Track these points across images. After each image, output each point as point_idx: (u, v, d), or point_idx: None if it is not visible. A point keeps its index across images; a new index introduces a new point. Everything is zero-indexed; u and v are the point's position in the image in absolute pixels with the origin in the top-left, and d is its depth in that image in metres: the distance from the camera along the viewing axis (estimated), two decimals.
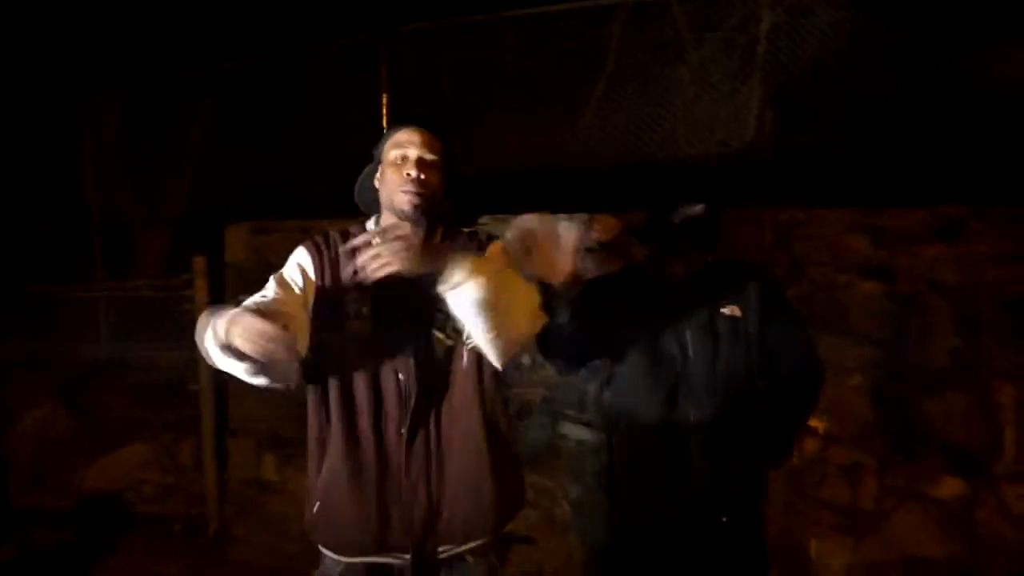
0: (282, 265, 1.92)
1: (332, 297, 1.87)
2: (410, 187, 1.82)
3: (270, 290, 1.84)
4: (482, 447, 1.85)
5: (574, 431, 3.23)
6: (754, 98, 4.43)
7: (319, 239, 1.94)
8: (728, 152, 4.36)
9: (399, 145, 1.86)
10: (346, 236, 1.90)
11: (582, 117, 4.67)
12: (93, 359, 4.84)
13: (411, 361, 1.84)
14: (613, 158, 4.50)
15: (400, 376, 1.83)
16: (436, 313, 1.81)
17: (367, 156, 2.10)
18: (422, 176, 1.82)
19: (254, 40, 5.63)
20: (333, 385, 1.87)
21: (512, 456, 1.99)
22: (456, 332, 1.83)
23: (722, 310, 2.24)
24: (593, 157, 4.55)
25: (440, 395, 1.86)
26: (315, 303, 1.86)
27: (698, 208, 2.35)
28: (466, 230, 2.03)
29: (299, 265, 1.88)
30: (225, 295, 3.76)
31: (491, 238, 2.00)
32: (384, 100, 4.99)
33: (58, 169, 5.94)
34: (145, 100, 6.01)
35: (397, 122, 1.94)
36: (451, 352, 1.87)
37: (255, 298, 1.81)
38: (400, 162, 1.85)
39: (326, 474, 1.87)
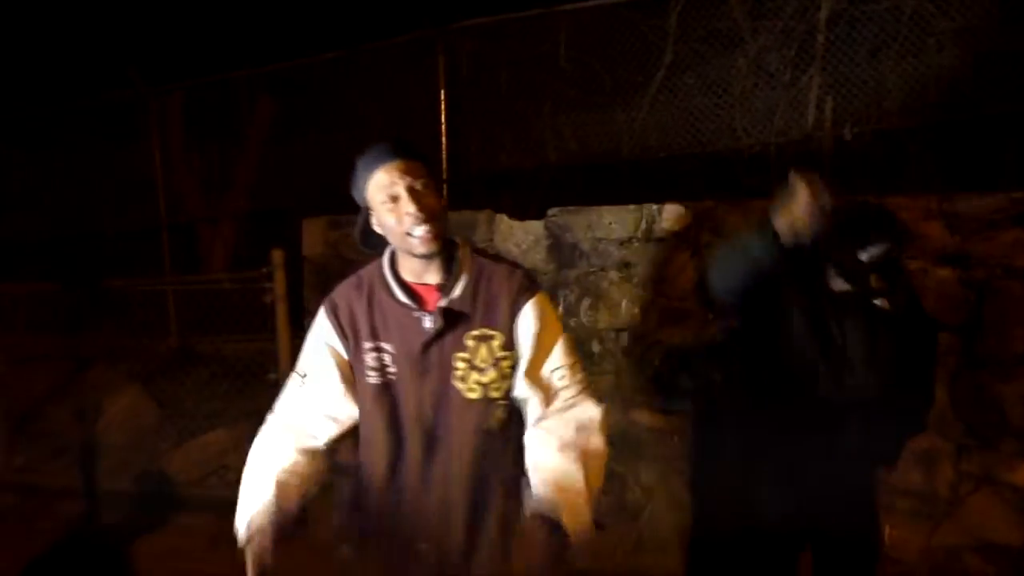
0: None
1: (356, 350, 1.78)
2: (417, 227, 1.66)
3: (304, 393, 1.80)
4: (494, 485, 1.78)
5: (644, 416, 3.26)
6: (813, 87, 4.41)
7: (334, 299, 1.82)
8: (788, 142, 4.35)
9: (383, 187, 1.67)
10: (359, 283, 1.81)
11: (639, 109, 4.69)
12: (169, 350, 4.99)
13: (428, 407, 1.75)
14: (671, 149, 4.51)
15: (420, 427, 1.75)
16: (457, 362, 1.72)
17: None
18: (421, 208, 1.65)
19: (314, 38, 5.72)
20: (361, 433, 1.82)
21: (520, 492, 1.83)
22: (478, 384, 1.73)
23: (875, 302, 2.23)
24: (653, 147, 4.57)
25: (456, 437, 1.75)
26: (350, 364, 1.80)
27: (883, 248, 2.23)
28: (489, 255, 1.85)
29: (329, 347, 1.80)
30: (303, 287, 3.84)
31: (525, 275, 1.80)
32: (442, 95, 5.05)
33: (128, 168, 6.11)
34: (209, 98, 6.15)
35: (365, 163, 1.72)
36: (471, 404, 1.74)
37: (292, 409, 1.81)
38: (392, 203, 1.67)
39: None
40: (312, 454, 1.79)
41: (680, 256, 3.18)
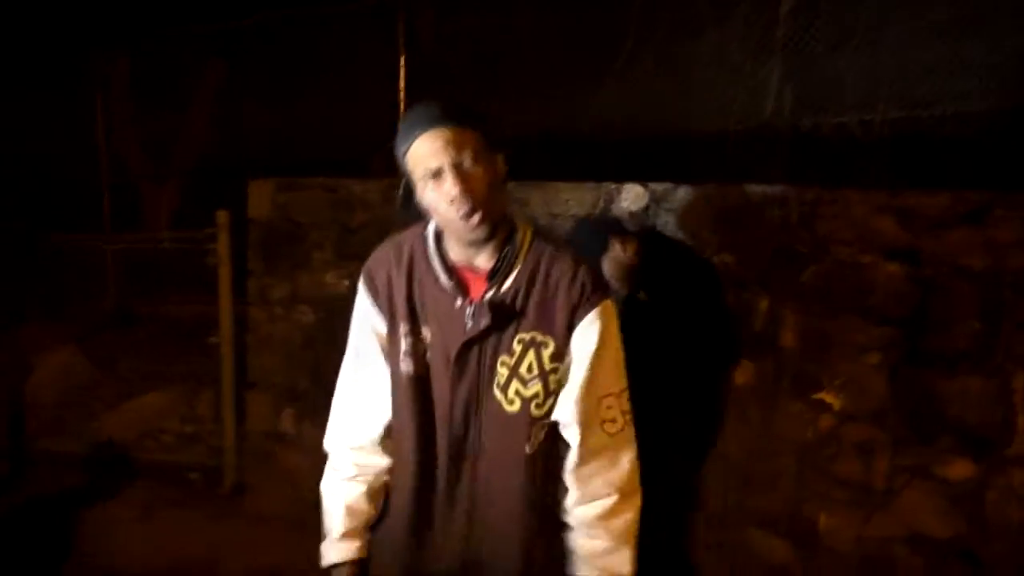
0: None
1: (391, 329, 1.61)
2: (462, 209, 1.45)
3: (358, 380, 1.67)
4: (524, 513, 1.58)
5: None
6: (773, 77, 4.41)
7: (372, 267, 1.65)
8: (746, 130, 4.35)
9: (422, 159, 1.46)
10: (399, 251, 1.63)
11: (601, 88, 4.64)
12: (107, 310, 4.82)
13: (460, 417, 1.57)
14: (631, 131, 4.48)
15: (448, 436, 1.58)
16: (499, 367, 1.53)
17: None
18: (467, 190, 1.44)
19: None
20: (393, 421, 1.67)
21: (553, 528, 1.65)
22: (518, 396, 1.53)
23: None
24: (611, 129, 4.53)
25: (488, 456, 1.57)
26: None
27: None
28: (553, 240, 1.61)
29: (371, 326, 1.63)
30: (247, 250, 3.71)
31: (592, 275, 1.56)
32: (402, 62, 4.93)
33: (71, 122, 5.87)
34: (156, 56, 5.93)
35: (407, 127, 1.50)
36: (509, 419, 1.55)
37: (348, 399, 1.69)
38: (434, 179, 1.46)
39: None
40: (375, 456, 1.67)
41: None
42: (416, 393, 1.58)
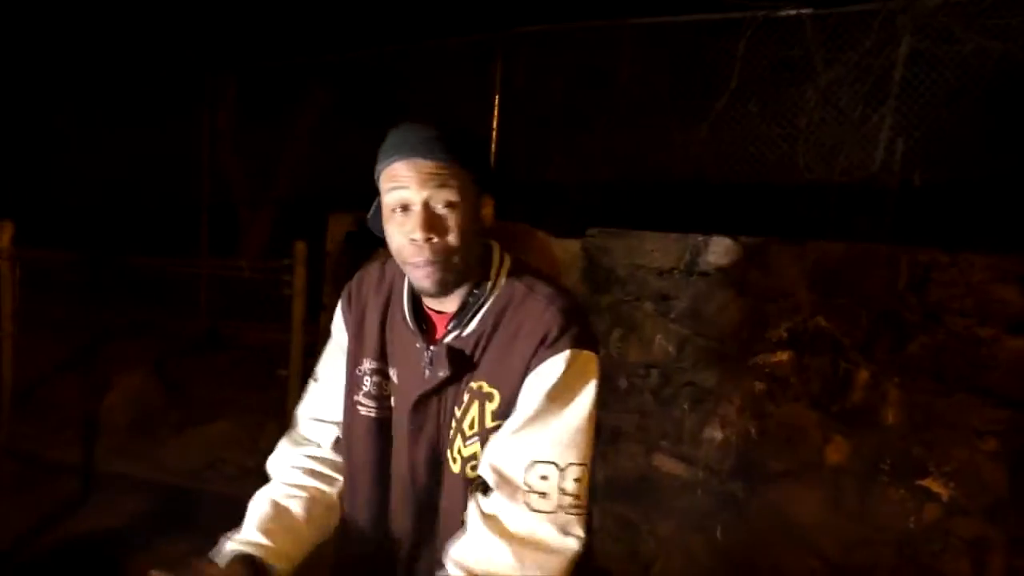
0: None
1: (353, 356, 1.43)
2: (419, 258, 1.23)
3: (318, 392, 1.49)
4: None
5: (667, 463, 2.98)
6: (884, 126, 4.09)
7: (353, 285, 1.46)
8: (852, 181, 4.04)
9: (394, 184, 1.23)
10: (382, 274, 1.42)
11: (698, 132, 4.42)
12: (189, 333, 4.87)
13: (422, 473, 1.35)
14: (728, 177, 4.23)
15: (409, 489, 1.37)
16: (453, 422, 1.30)
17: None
18: (433, 238, 1.21)
19: (371, 33, 5.58)
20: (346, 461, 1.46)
21: None
22: (460, 455, 1.30)
23: None
24: (706, 175, 4.29)
25: (448, 519, 1.33)
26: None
27: None
28: (534, 276, 1.33)
29: (335, 337, 1.47)
30: (323, 284, 3.65)
31: (563, 316, 1.25)
32: (496, 100, 4.85)
33: (176, 145, 6.03)
34: (262, 84, 6.06)
35: (389, 143, 1.26)
36: (454, 479, 1.32)
37: (306, 414, 1.50)
38: (400, 213, 1.24)
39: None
40: (319, 477, 1.44)
41: (723, 294, 2.90)
42: (377, 440, 1.38)
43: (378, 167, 1.28)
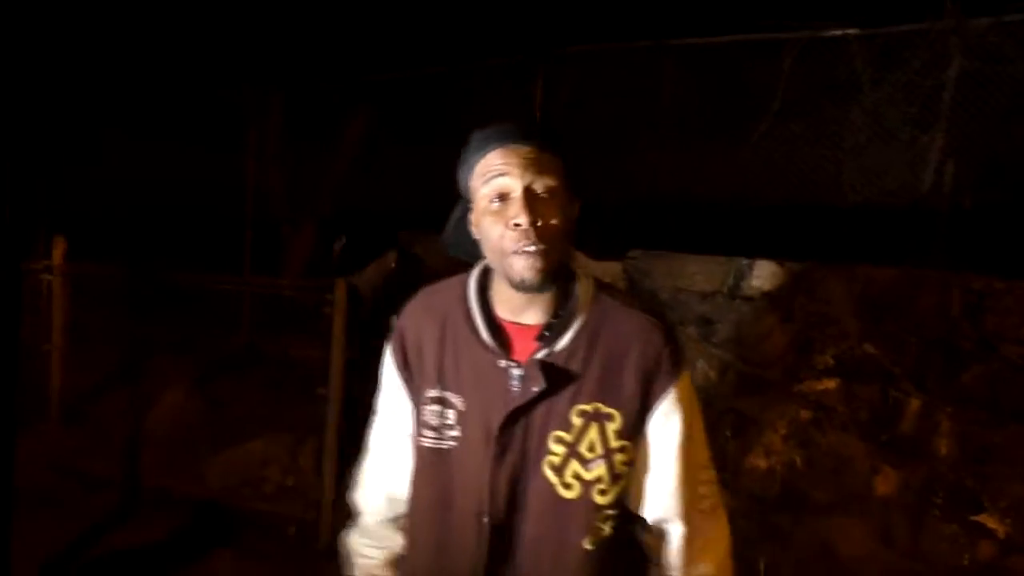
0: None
1: (414, 396, 1.35)
2: (523, 244, 1.18)
3: (383, 444, 1.43)
4: None
5: None
6: (934, 148, 3.99)
7: (403, 323, 1.37)
8: (900, 204, 3.95)
9: (491, 175, 1.20)
10: (433, 302, 1.36)
11: (742, 153, 4.35)
12: (231, 349, 4.90)
13: (501, 502, 1.26)
14: (771, 199, 4.16)
15: (484, 520, 1.26)
16: (552, 443, 1.24)
17: None
18: (538, 222, 1.17)
19: (415, 53, 5.62)
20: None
21: None
22: (577, 479, 1.24)
23: None
24: (751, 196, 4.22)
25: (534, 550, 1.26)
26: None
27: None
28: (619, 295, 1.33)
29: (394, 385, 1.37)
30: (362, 306, 3.64)
31: (670, 340, 1.27)
32: (537, 118, 4.83)
33: (221, 161, 6.11)
34: (308, 101, 6.13)
35: (480, 138, 1.24)
36: (566, 506, 1.24)
37: (376, 467, 1.45)
38: (498, 203, 1.20)
39: None
40: (393, 534, 1.45)
41: (768, 319, 2.84)
42: (436, 472, 1.31)
43: (468, 164, 1.25)
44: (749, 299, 2.86)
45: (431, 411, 1.30)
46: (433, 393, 1.30)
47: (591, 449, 1.23)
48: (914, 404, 2.61)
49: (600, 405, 1.23)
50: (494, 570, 1.26)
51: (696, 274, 2.98)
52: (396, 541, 1.44)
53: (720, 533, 1.36)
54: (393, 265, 2.35)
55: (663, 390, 1.24)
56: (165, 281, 4.43)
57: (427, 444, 1.31)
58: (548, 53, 4.87)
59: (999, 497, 2.44)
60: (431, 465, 1.31)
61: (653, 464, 1.27)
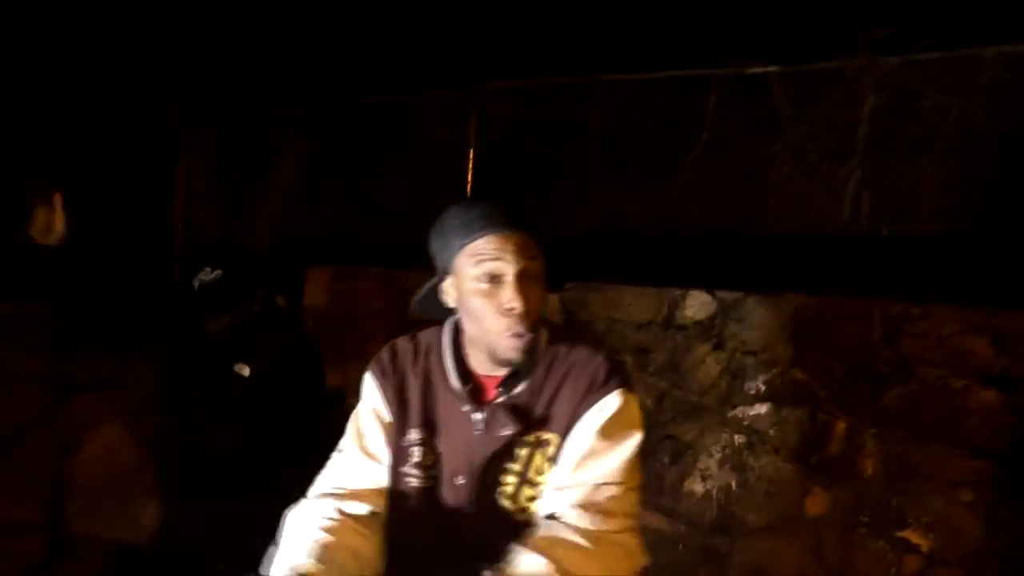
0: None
1: (399, 432, 1.42)
2: (515, 327, 1.28)
3: (350, 464, 1.43)
4: None
5: (648, 518, 2.98)
6: (852, 179, 4.19)
7: (384, 358, 1.47)
8: (822, 234, 4.12)
9: (484, 258, 1.28)
10: (415, 345, 1.46)
11: (672, 185, 4.49)
12: (162, 388, 4.79)
13: (470, 536, 1.35)
14: (702, 230, 4.30)
15: (464, 553, 1.34)
16: (503, 476, 1.34)
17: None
18: (526, 308, 1.27)
19: (347, 85, 5.64)
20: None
21: None
22: (531, 501, 1.34)
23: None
24: (681, 227, 4.35)
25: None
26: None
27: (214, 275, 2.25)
28: (569, 336, 1.43)
29: (374, 412, 1.44)
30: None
31: (607, 364, 1.36)
32: (471, 155, 4.90)
33: (148, 192, 5.99)
34: (238, 132, 6.07)
35: (468, 220, 1.31)
36: (523, 527, 1.32)
37: (332, 481, 1.43)
38: (488, 285, 1.29)
39: None
40: (365, 524, 1.36)
41: (701, 347, 2.94)
42: (427, 508, 1.38)
43: (451, 245, 1.33)
44: (683, 328, 2.95)
45: (420, 452, 1.38)
46: (419, 435, 1.39)
47: (539, 472, 1.33)
48: (840, 426, 2.73)
49: (541, 433, 1.34)
50: None
51: (631, 305, 3.07)
52: (332, 527, 1.35)
53: (607, 554, 1.24)
54: (256, 307, 2.30)
55: (590, 405, 1.32)
56: (90, 318, 4.31)
57: (416, 484, 1.38)
58: (481, 87, 4.95)
59: (922, 513, 2.57)
60: (422, 503, 1.38)
61: (561, 458, 1.32)
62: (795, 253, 4.11)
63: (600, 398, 1.32)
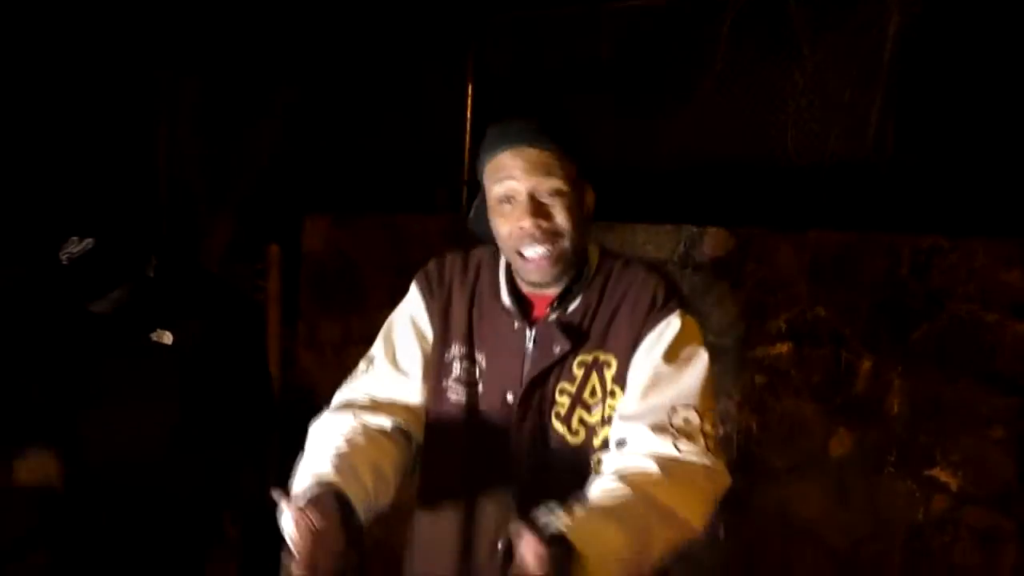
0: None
1: (442, 345, 1.47)
2: (529, 247, 1.33)
3: (378, 375, 1.47)
4: None
5: None
6: (874, 108, 4.17)
7: (432, 270, 1.52)
8: (844, 166, 4.11)
9: (501, 175, 1.34)
10: (465, 261, 1.52)
11: (683, 119, 4.47)
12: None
13: (525, 463, 1.37)
14: (718, 164, 4.29)
15: (510, 483, 1.37)
16: (558, 395, 1.37)
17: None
18: (542, 224, 1.32)
19: (339, 25, 5.57)
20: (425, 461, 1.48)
21: None
22: (583, 424, 1.36)
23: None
24: (694, 162, 4.35)
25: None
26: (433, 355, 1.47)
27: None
28: (622, 257, 1.48)
29: (413, 323, 1.48)
30: (300, 287, 3.66)
31: (665, 284, 1.40)
32: (469, 91, 4.86)
33: (129, 144, 5.96)
34: (225, 80, 6.01)
35: (493, 136, 1.37)
36: (575, 451, 1.35)
37: (359, 389, 1.47)
38: (507, 204, 1.34)
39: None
40: (388, 437, 1.40)
41: (719, 286, 2.96)
42: (465, 426, 1.43)
43: (481, 161, 1.40)
44: (700, 267, 2.98)
45: (462, 368, 1.43)
46: (462, 349, 1.44)
47: (592, 394, 1.37)
48: (866, 365, 2.76)
49: (599, 354, 1.38)
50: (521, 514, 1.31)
51: (646, 244, 3.09)
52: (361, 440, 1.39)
53: (694, 490, 1.25)
54: (151, 274, 2.01)
55: (652, 326, 1.35)
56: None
57: (457, 399, 1.42)
58: (478, 21, 4.90)
59: (951, 451, 2.61)
60: (460, 420, 1.42)
61: (630, 382, 1.35)
62: (817, 187, 4.12)
63: (660, 319, 1.36)
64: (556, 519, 1.10)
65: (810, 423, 2.83)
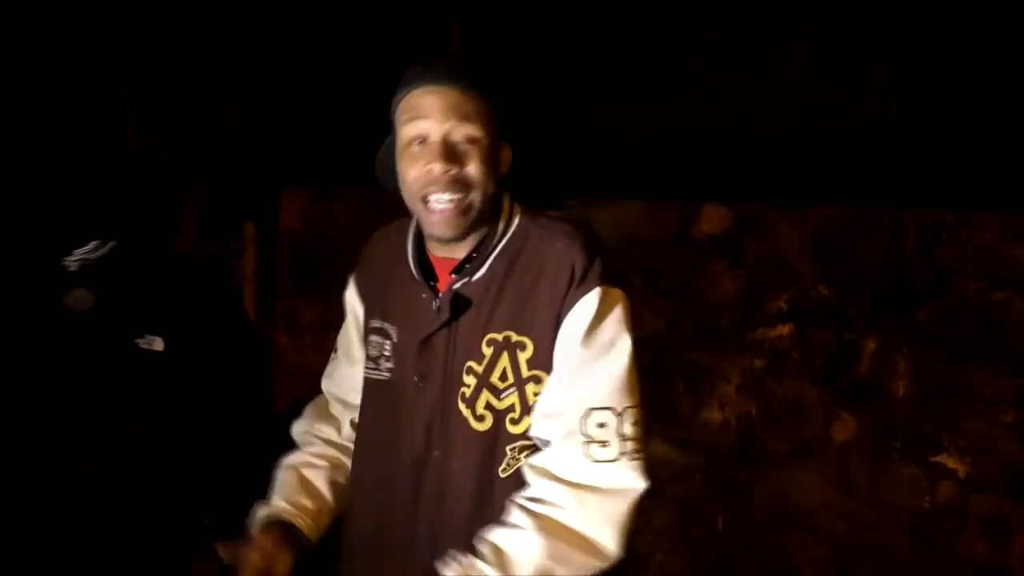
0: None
1: (366, 322, 1.46)
2: (436, 194, 1.23)
3: (338, 366, 1.54)
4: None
5: (661, 449, 3.01)
6: (878, 78, 4.15)
7: (364, 248, 1.52)
8: (847, 138, 4.09)
9: (413, 114, 1.23)
10: (389, 234, 1.45)
11: (678, 91, 4.43)
12: None
13: (421, 436, 1.33)
14: (715, 138, 4.25)
15: (408, 455, 1.35)
16: (464, 375, 1.29)
17: None
18: (452, 170, 1.21)
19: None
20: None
21: None
22: (490, 410, 1.28)
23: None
24: (692, 136, 4.31)
25: (454, 480, 1.31)
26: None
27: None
28: (549, 220, 1.33)
29: (349, 304, 1.50)
30: (278, 266, 3.61)
31: (588, 253, 1.25)
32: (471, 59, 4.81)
33: (97, 117, 5.87)
34: (190, 47, 5.92)
35: (409, 74, 1.26)
36: (479, 437, 1.29)
37: (325, 385, 1.56)
38: (417, 146, 1.23)
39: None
40: (327, 453, 1.50)
41: (717, 265, 2.93)
42: (377, 402, 1.39)
43: (395, 99, 1.28)
44: (697, 244, 2.94)
45: (373, 341, 1.39)
46: (376, 324, 1.39)
47: (503, 378, 1.27)
48: (870, 346, 2.74)
49: (512, 334, 1.26)
50: (420, 503, 1.32)
51: (640, 221, 3.04)
52: (342, 456, 1.51)
53: (604, 503, 1.21)
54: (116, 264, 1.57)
55: (571, 304, 1.23)
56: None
57: (373, 376, 1.39)
58: None
59: (957, 436, 2.60)
60: (374, 397, 1.40)
61: (550, 379, 1.26)
62: (818, 160, 4.09)
63: (579, 297, 1.23)
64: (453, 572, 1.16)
65: (812, 407, 2.80)
